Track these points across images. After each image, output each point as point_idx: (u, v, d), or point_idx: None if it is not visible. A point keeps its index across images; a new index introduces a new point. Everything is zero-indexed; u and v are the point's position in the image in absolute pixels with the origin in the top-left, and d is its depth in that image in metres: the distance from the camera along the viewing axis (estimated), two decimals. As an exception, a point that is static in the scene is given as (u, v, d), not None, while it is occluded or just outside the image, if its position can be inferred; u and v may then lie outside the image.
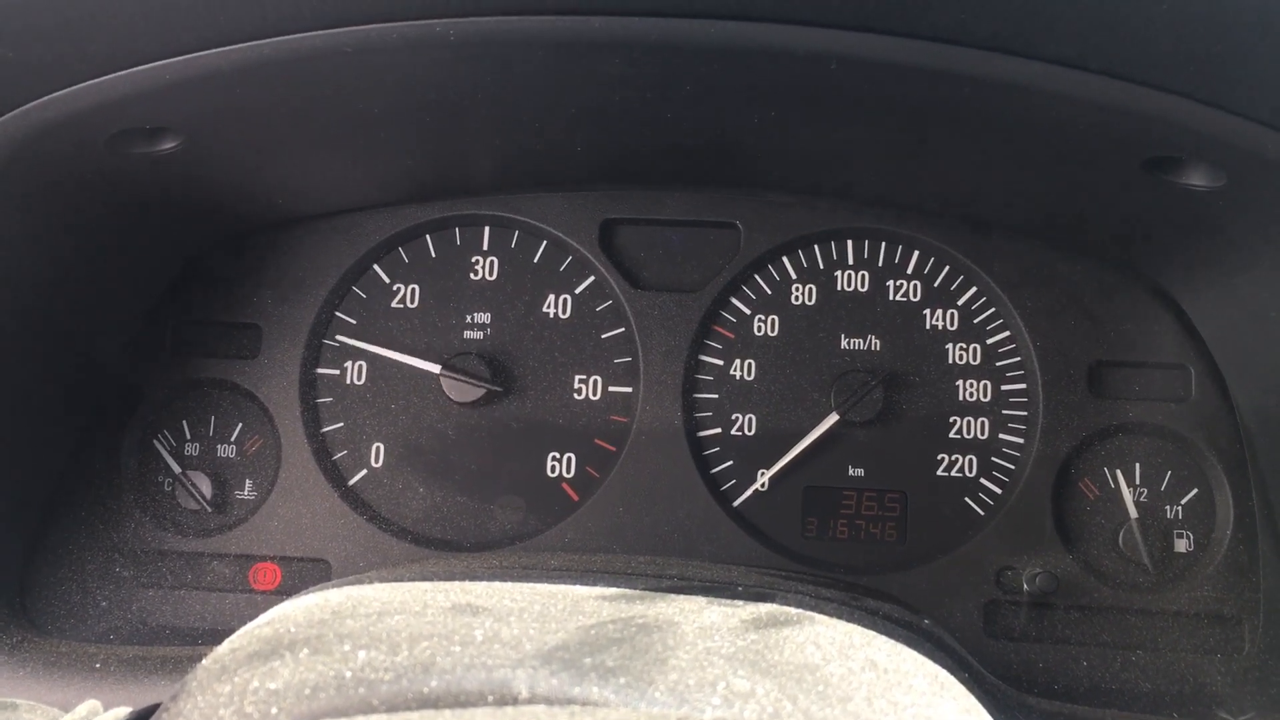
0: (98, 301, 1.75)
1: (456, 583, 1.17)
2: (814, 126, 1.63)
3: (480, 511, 1.89)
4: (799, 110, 1.56)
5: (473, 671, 0.90)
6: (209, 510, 1.89)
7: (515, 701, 0.87)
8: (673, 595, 1.19)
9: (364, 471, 1.91)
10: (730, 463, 1.89)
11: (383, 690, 0.89)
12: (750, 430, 1.89)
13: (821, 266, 1.91)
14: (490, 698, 0.88)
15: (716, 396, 1.90)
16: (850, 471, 1.87)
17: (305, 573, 1.87)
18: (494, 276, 1.94)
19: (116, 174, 1.50)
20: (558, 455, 1.90)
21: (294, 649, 0.97)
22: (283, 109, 1.44)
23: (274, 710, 0.90)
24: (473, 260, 1.94)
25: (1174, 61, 1.22)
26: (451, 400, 1.88)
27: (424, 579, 1.21)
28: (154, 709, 1.09)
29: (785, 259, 1.92)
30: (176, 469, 1.90)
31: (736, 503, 1.87)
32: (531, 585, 1.19)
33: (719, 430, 1.89)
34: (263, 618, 1.12)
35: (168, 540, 1.87)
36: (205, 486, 1.89)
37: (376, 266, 1.95)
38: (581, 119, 1.65)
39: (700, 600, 1.18)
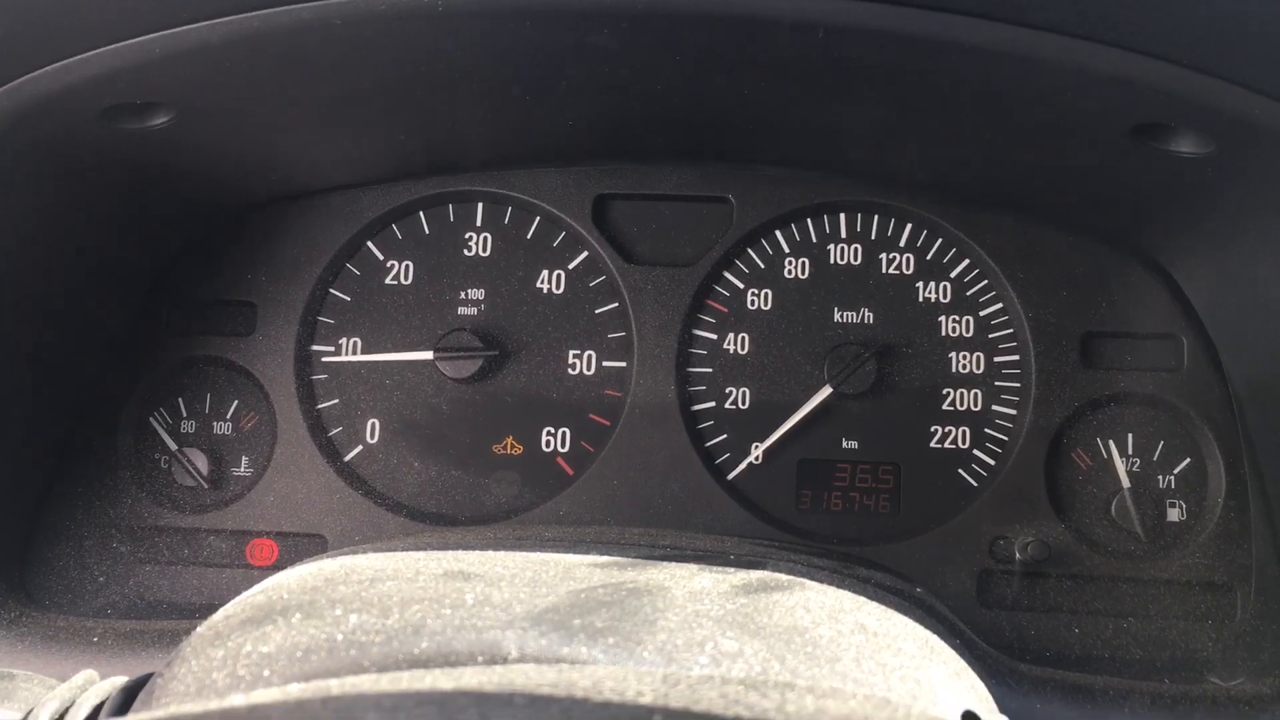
0: (93, 280, 1.76)
1: (449, 552, 1.18)
2: (804, 99, 1.63)
3: (475, 486, 1.90)
4: (789, 82, 1.56)
5: (462, 633, 0.91)
6: (205, 487, 1.90)
7: (505, 661, 0.88)
8: (665, 563, 1.20)
9: (359, 447, 1.92)
10: (724, 436, 1.89)
11: (373, 652, 0.90)
12: (744, 404, 1.90)
13: (814, 240, 1.92)
14: (480, 658, 0.89)
15: (710, 370, 1.90)
16: (844, 444, 1.88)
17: (301, 548, 1.88)
18: (488, 252, 1.94)
19: (109, 150, 1.50)
20: (552, 430, 1.91)
21: (286, 614, 0.98)
22: (273, 83, 1.44)
23: (266, 672, 0.91)
24: (466, 236, 1.95)
25: (1162, 26, 1.22)
26: (446, 376, 1.89)
27: (418, 550, 1.22)
28: (149, 677, 1.11)
29: (778, 232, 1.92)
30: (173, 446, 1.91)
31: (730, 476, 1.88)
32: (524, 553, 1.20)
33: (713, 404, 1.90)
34: (258, 586, 1.13)
35: (164, 516, 1.88)
36: (202, 463, 1.90)
37: (370, 243, 1.95)
38: (572, 93, 1.65)
39: (692, 567, 1.19)
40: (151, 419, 1.93)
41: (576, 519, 1.85)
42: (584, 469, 1.88)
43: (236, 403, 1.94)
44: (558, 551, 1.24)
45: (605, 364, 1.91)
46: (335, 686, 0.81)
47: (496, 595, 1.00)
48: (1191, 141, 1.42)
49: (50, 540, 1.80)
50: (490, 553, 1.19)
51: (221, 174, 1.75)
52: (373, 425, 1.92)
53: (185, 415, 1.94)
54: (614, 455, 1.87)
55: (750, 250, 1.92)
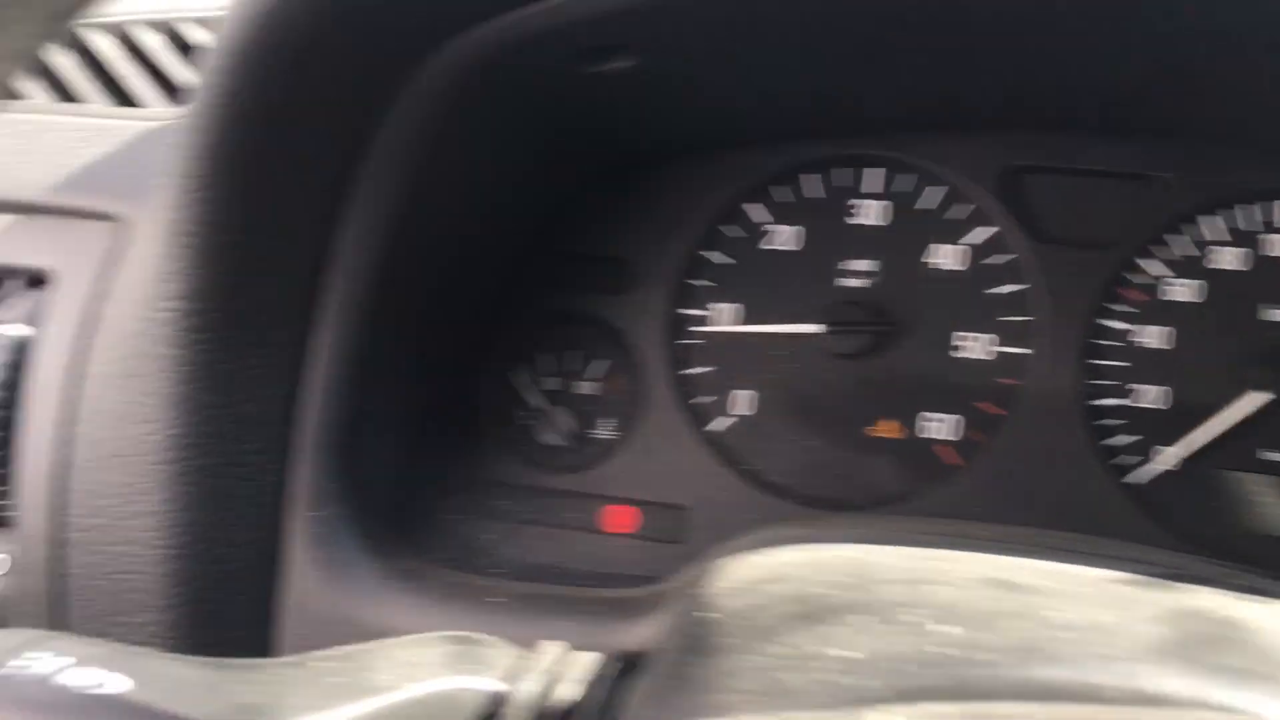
0: (489, 228, 1.71)
1: (962, 552, 1.07)
2: (1260, 63, 1.46)
3: (850, 469, 1.79)
4: (1247, 44, 1.40)
5: (1089, 661, 0.80)
6: (571, 446, 1.84)
7: (1163, 703, 0.76)
8: (1199, 586, 1.07)
9: (729, 419, 1.83)
10: (1128, 437, 1.73)
11: (979, 673, 0.80)
12: (1155, 403, 1.73)
13: (1251, 229, 1.73)
14: (1110, 694, 0.78)
15: (1119, 364, 1.74)
16: (1268, 456, 1.69)
17: (664, 518, 1.80)
18: (878, 221, 1.82)
19: (560, 95, 1.44)
20: (936, 415, 1.78)
21: (844, 613, 0.89)
22: (740, 30, 1.35)
23: (848, 681, 0.82)
24: (855, 204, 1.83)
25: None
26: (830, 351, 1.78)
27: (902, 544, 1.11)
28: (634, 657, 1.05)
29: (1209, 218, 1.74)
30: (539, 403, 1.86)
31: (1132, 480, 1.72)
32: (1037, 561, 1.08)
33: (1118, 401, 1.74)
34: (749, 570, 1.04)
35: (534, 476, 1.83)
36: (569, 422, 1.84)
37: (752, 205, 1.85)
38: (1002, 52, 1.52)
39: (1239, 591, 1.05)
40: (517, 374, 1.88)
41: (963, 513, 1.72)
42: (971, 460, 1.74)
43: (604, 362, 1.87)
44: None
45: (1001, 349, 1.77)
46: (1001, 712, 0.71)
47: (1076, 616, 0.89)
48: None
49: (433, 495, 1.77)
50: (1000, 558, 1.07)
51: (641, 123, 1.67)
52: (745, 397, 1.82)
53: (550, 372, 1.88)
54: (1004, 448, 1.73)
55: (1177, 235, 1.74)
